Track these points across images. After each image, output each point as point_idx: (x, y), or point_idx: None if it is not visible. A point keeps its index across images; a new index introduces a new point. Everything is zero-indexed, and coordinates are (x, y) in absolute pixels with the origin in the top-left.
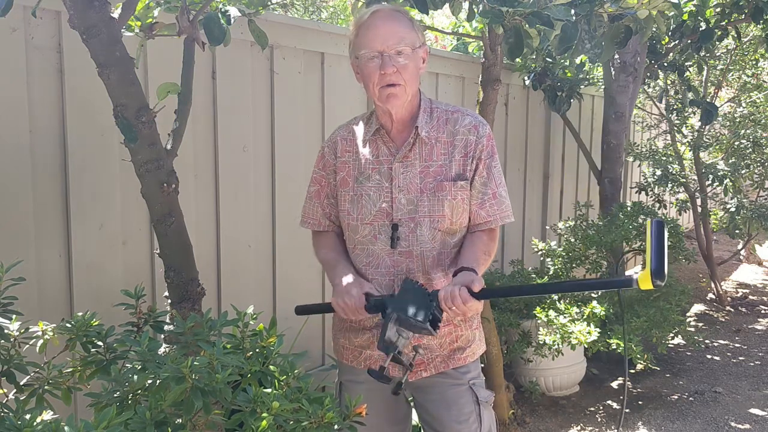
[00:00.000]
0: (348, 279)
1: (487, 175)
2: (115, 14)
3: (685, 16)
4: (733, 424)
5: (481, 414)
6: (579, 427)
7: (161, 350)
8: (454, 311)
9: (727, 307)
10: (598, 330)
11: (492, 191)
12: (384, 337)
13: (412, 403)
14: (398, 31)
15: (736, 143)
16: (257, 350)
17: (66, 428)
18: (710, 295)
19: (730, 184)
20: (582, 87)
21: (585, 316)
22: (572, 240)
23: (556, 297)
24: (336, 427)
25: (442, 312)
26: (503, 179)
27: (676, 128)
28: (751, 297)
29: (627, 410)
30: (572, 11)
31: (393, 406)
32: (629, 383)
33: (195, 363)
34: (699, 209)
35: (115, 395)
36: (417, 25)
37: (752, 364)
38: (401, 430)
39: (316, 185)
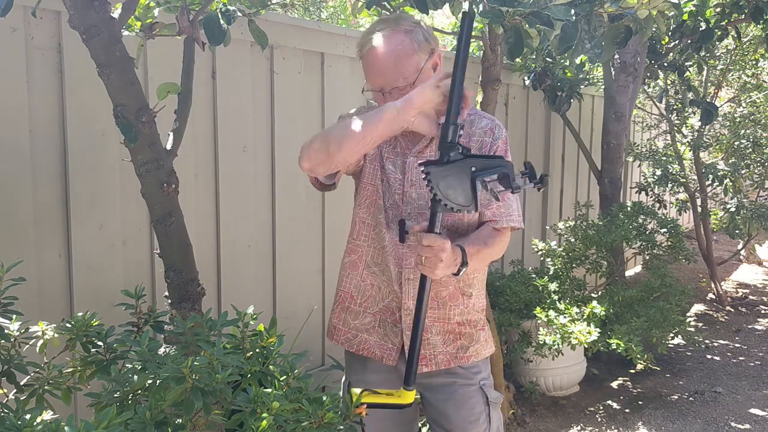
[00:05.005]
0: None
1: None
2: (115, 14)
3: (685, 16)
4: (733, 424)
5: (491, 415)
6: (579, 427)
7: (161, 350)
8: (433, 260)
9: (727, 307)
10: (598, 330)
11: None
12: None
13: (419, 405)
14: (395, 66)
15: (736, 143)
16: (257, 350)
17: (66, 428)
18: (710, 295)
19: (730, 184)
20: (582, 87)
21: (585, 316)
22: (572, 240)
23: (556, 297)
24: (340, 427)
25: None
26: None
27: (676, 128)
28: (751, 297)
29: (627, 410)
30: (572, 11)
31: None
32: (629, 383)
33: (195, 363)
34: (699, 209)
35: (115, 395)
36: (421, 38)
37: (752, 364)
38: (409, 430)
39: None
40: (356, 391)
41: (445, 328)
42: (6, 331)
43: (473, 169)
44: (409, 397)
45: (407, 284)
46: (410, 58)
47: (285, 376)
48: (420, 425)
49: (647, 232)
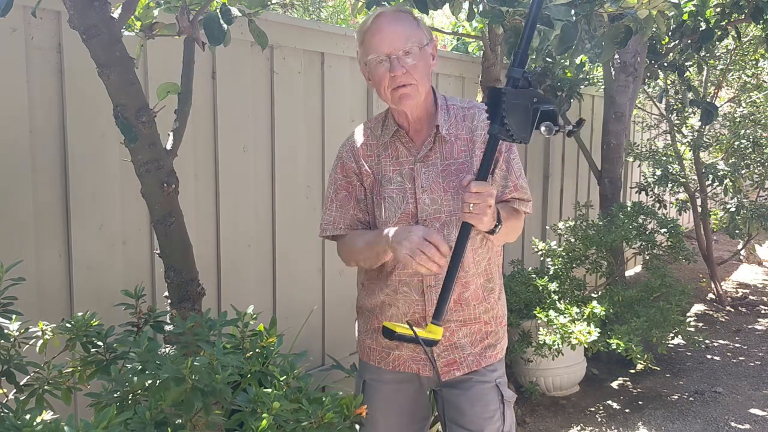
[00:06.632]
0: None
1: (507, 167)
2: (115, 14)
3: (685, 16)
4: (733, 424)
5: (505, 413)
6: (579, 427)
7: (161, 350)
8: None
9: (727, 307)
10: (598, 330)
11: (513, 183)
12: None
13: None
14: (403, 31)
15: (736, 143)
16: (257, 350)
17: (66, 428)
18: (710, 295)
19: (730, 184)
20: (582, 87)
21: (585, 316)
22: (572, 240)
23: (556, 297)
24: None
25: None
26: (523, 171)
27: (676, 128)
28: (751, 297)
29: (627, 410)
30: (572, 11)
31: (416, 404)
32: (629, 383)
33: (195, 363)
34: (699, 209)
35: (115, 395)
36: (423, 23)
37: (752, 364)
38: (422, 427)
39: (343, 191)
40: (390, 324)
41: (472, 329)
42: (6, 331)
43: (535, 100)
44: (438, 332)
45: (429, 291)
46: (416, 29)
47: (285, 376)
48: None
49: (647, 232)
